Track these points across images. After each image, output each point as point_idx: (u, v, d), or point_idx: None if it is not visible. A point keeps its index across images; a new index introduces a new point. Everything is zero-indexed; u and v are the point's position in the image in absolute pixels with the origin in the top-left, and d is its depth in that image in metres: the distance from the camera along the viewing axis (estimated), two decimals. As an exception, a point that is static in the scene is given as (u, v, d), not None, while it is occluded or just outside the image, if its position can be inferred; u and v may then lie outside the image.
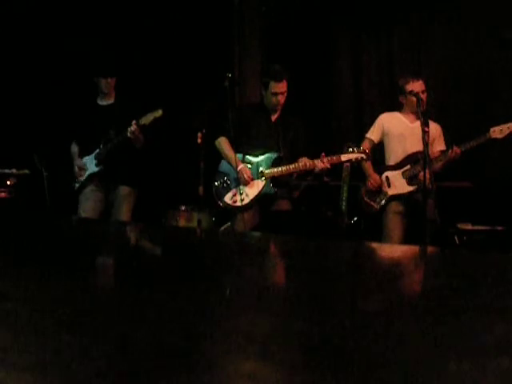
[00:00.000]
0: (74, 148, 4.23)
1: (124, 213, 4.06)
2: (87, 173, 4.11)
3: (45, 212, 4.12)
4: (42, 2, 5.08)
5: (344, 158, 3.75)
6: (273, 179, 3.83)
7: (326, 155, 3.75)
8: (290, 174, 3.85)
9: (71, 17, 5.13)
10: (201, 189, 4.00)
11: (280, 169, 3.80)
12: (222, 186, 3.92)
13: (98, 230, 2.18)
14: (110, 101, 4.18)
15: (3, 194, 4.45)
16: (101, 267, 1.20)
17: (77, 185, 4.15)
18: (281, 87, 3.82)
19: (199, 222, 4.15)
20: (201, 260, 1.28)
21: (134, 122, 3.87)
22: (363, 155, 3.74)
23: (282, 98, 3.85)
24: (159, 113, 3.88)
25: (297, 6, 5.63)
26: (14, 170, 4.53)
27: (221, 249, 1.63)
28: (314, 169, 3.75)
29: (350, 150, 3.75)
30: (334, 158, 3.75)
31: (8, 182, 4.49)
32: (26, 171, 4.53)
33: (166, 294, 0.85)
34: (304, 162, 3.75)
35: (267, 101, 3.89)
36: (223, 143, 3.94)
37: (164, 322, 0.68)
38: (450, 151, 3.78)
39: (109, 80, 4.08)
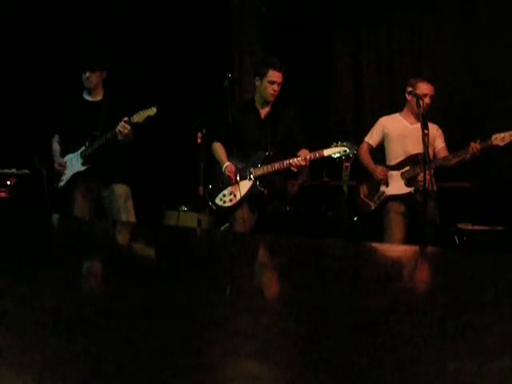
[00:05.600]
0: (56, 145, 4.12)
1: (124, 213, 3.99)
2: (72, 171, 3.99)
3: (45, 212, 4.11)
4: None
5: (327, 152, 3.74)
6: (262, 179, 3.83)
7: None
8: (279, 173, 3.84)
9: (68, 15, 5.12)
10: (201, 189, 4.00)
11: (268, 167, 3.79)
12: (213, 189, 3.93)
13: (96, 229, 2.18)
14: (98, 97, 4.06)
15: (3, 194, 4.45)
16: (100, 267, 1.20)
17: (61, 184, 4.04)
18: (278, 76, 3.81)
19: (199, 222, 4.15)
20: (200, 260, 1.28)
21: (125, 119, 3.76)
22: (346, 149, 3.72)
23: (278, 89, 3.83)
24: (153, 111, 3.78)
25: (297, 6, 5.63)
26: (13, 170, 4.53)
27: (220, 249, 1.63)
28: (291, 167, 3.72)
29: (333, 144, 3.75)
30: (317, 153, 3.74)
31: (8, 182, 4.49)
32: (26, 171, 4.53)
33: (166, 294, 0.85)
34: (299, 157, 3.71)
35: (262, 91, 3.87)
36: (217, 148, 3.96)
37: (163, 322, 0.68)
38: (470, 146, 3.73)
39: (87, 74, 3.94)
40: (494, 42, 4.90)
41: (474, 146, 3.71)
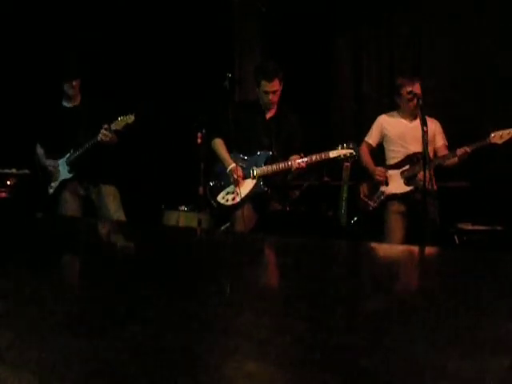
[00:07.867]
0: (40, 150, 4.15)
1: (114, 211, 3.99)
2: (60, 178, 4.05)
3: (44, 212, 4.10)
4: (13, 4, 5.01)
5: (332, 154, 3.73)
6: (264, 178, 3.82)
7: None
8: (280, 173, 3.83)
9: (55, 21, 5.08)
10: (201, 189, 4.00)
11: (271, 167, 3.79)
12: (215, 186, 3.93)
13: (96, 229, 2.19)
14: (76, 103, 4.08)
15: (3, 194, 4.45)
16: (99, 267, 1.20)
17: (51, 190, 4.08)
18: (272, 86, 3.77)
19: (199, 222, 4.15)
20: (201, 260, 1.28)
21: (105, 126, 3.81)
22: (352, 151, 3.72)
23: (273, 97, 3.81)
24: (131, 119, 3.83)
25: (297, 6, 5.63)
26: (13, 170, 4.53)
27: (220, 249, 1.63)
28: (291, 168, 3.73)
29: (340, 146, 3.75)
30: (323, 154, 3.73)
31: (8, 182, 4.49)
32: (26, 171, 4.53)
33: (166, 294, 0.85)
34: (293, 160, 3.72)
35: (261, 99, 3.88)
36: (218, 144, 3.94)
37: (164, 322, 0.68)
38: (459, 150, 3.71)
39: (73, 83, 3.97)
40: (493, 42, 4.90)
41: (464, 149, 3.70)
